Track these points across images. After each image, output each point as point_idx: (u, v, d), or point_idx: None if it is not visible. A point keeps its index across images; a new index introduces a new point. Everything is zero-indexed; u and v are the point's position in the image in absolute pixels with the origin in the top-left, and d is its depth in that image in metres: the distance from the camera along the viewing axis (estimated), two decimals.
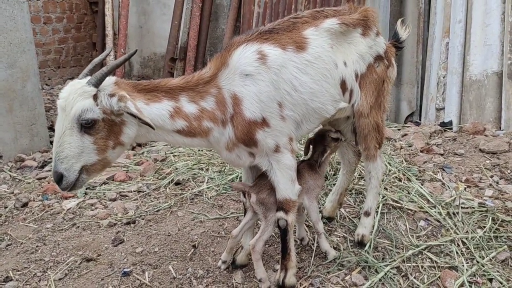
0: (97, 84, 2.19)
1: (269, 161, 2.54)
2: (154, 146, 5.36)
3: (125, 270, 2.90)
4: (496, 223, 3.31)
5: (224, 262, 2.89)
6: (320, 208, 3.48)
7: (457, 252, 3.01)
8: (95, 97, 2.17)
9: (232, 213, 3.61)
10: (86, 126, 2.17)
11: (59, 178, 2.21)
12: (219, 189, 4.00)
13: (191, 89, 2.41)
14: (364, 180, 3.60)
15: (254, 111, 2.40)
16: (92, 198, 3.98)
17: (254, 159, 2.57)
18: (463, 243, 3.11)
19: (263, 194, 2.65)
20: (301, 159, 3.12)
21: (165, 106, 2.34)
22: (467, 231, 3.23)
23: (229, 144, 2.48)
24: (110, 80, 2.26)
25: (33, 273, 2.93)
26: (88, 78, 2.22)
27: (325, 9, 2.74)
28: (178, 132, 2.39)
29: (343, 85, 2.67)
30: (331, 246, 3.01)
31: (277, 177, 2.55)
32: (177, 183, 4.19)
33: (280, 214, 2.61)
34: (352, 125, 2.98)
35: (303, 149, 3.15)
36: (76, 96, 2.15)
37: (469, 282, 2.74)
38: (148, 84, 2.37)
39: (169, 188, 4.12)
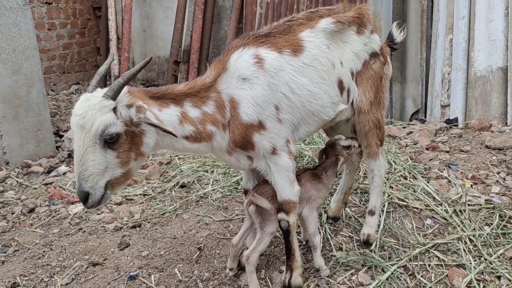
0: (115, 96, 2.12)
1: (267, 163, 2.55)
2: None
3: (131, 273, 2.90)
4: (504, 220, 3.28)
5: (231, 269, 2.86)
6: (325, 208, 3.47)
7: (464, 250, 2.99)
8: (114, 110, 2.12)
9: (237, 215, 3.61)
10: (110, 141, 2.11)
11: (85, 197, 2.15)
12: (224, 191, 4.00)
13: (194, 94, 2.40)
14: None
15: (251, 114, 2.41)
16: None
17: (252, 162, 2.58)
18: (471, 240, 3.09)
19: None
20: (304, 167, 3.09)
21: (173, 112, 2.31)
22: (474, 229, 3.20)
23: (228, 148, 2.49)
24: (124, 90, 2.19)
25: (40, 278, 2.94)
26: (100, 90, 2.17)
27: (319, 9, 2.75)
28: (186, 138, 2.37)
29: (340, 84, 2.68)
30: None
31: (275, 179, 2.56)
32: (182, 186, 4.20)
33: (281, 215, 2.61)
34: (352, 124, 2.97)
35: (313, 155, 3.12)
36: (95, 111, 2.07)
37: (477, 280, 2.72)
38: (157, 91, 2.34)
39: (174, 191, 4.13)
